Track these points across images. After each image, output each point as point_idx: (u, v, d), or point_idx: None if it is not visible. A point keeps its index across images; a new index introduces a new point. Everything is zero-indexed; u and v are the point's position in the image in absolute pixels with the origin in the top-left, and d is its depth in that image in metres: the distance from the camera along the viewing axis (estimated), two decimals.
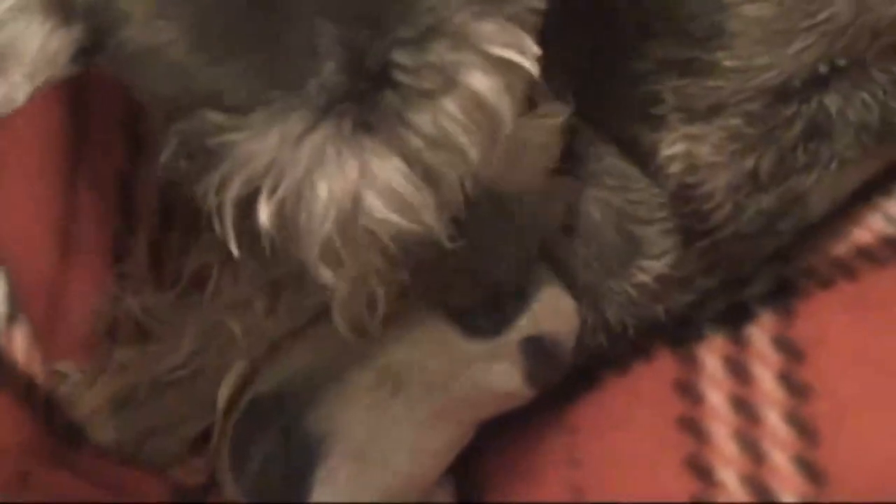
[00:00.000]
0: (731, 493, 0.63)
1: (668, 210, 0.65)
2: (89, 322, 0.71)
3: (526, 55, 0.47)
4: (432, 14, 0.45)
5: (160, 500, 0.69)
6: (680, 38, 0.63)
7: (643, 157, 0.65)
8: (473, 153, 0.47)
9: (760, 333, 0.66)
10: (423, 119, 0.46)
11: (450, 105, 0.46)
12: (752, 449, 0.63)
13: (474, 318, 0.64)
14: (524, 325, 0.64)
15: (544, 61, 0.48)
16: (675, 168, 0.64)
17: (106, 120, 0.75)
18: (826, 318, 0.65)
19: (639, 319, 0.66)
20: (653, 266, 0.66)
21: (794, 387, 0.64)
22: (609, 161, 0.65)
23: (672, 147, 0.64)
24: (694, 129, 0.64)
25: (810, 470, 0.62)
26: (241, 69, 0.46)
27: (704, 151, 0.64)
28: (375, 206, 0.46)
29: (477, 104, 0.47)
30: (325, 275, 0.49)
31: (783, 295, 0.66)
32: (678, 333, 0.68)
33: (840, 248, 0.67)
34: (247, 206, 0.47)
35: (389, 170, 0.46)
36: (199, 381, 0.68)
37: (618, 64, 0.64)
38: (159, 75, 0.48)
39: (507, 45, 0.47)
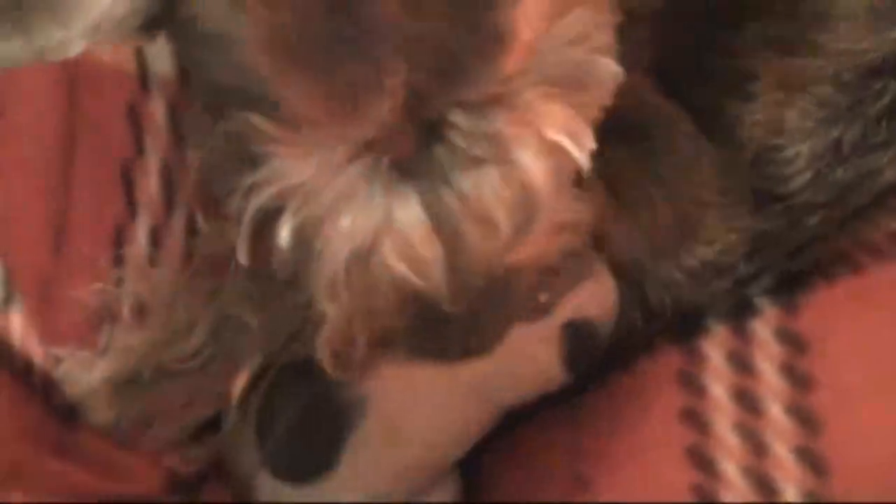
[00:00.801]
0: (732, 484, 0.63)
1: (731, 196, 0.65)
2: (88, 306, 0.71)
3: (581, 147, 0.47)
4: (503, 84, 0.45)
5: (154, 486, 0.69)
6: (785, 17, 0.63)
7: (726, 127, 0.65)
8: (506, 230, 0.47)
9: (764, 325, 0.66)
10: (464, 183, 0.46)
11: (495, 176, 0.46)
12: (753, 440, 0.63)
13: None
14: (567, 309, 0.64)
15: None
16: (758, 132, 0.64)
17: (106, 106, 0.75)
18: (830, 309, 0.65)
19: (677, 302, 0.67)
20: (703, 251, 0.66)
21: (797, 378, 0.63)
22: (676, 138, 0.65)
23: (758, 113, 0.64)
24: (782, 94, 0.64)
25: (812, 461, 0.62)
26: (304, 84, 0.45)
27: (792, 116, 0.64)
28: (388, 252, 0.46)
29: (521, 183, 0.46)
30: (327, 306, 0.49)
31: (787, 287, 0.66)
32: (682, 327, 0.68)
33: (844, 242, 0.68)
34: (267, 219, 0.47)
35: (410, 221, 0.46)
36: (207, 371, 0.68)
37: (716, 37, 0.64)
38: (222, 64, 0.47)
39: (565, 133, 0.46)
